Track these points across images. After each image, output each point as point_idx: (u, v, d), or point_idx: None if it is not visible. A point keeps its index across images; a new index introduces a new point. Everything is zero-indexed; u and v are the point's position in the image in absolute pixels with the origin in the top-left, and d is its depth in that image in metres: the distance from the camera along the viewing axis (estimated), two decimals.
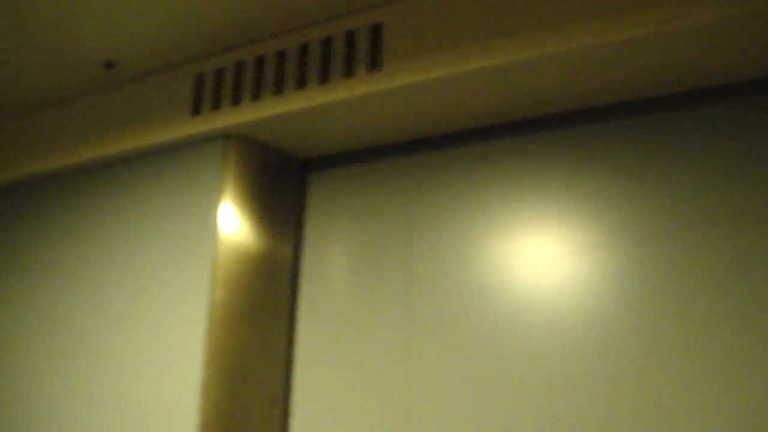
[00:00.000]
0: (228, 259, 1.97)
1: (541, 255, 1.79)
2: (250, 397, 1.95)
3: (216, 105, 2.05)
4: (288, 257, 2.16)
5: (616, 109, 1.80)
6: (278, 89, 1.93)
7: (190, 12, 1.90)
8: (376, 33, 1.81)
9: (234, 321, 1.95)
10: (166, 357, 1.95)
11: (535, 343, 1.73)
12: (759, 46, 1.51)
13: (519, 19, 1.61)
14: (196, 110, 2.08)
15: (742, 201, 1.60)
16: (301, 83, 1.90)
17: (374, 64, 1.79)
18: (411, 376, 1.88)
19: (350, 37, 1.85)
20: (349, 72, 1.82)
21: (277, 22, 1.93)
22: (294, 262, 2.18)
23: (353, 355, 1.99)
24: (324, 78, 1.86)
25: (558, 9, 1.56)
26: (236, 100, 2.01)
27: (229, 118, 2.00)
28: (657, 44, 1.51)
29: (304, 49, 1.92)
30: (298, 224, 2.21)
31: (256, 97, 1.97)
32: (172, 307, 1.99)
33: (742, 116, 1.65)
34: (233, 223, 2.00)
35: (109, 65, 2.20)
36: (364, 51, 1.81)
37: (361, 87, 1.79)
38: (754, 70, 1.62)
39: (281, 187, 2.18)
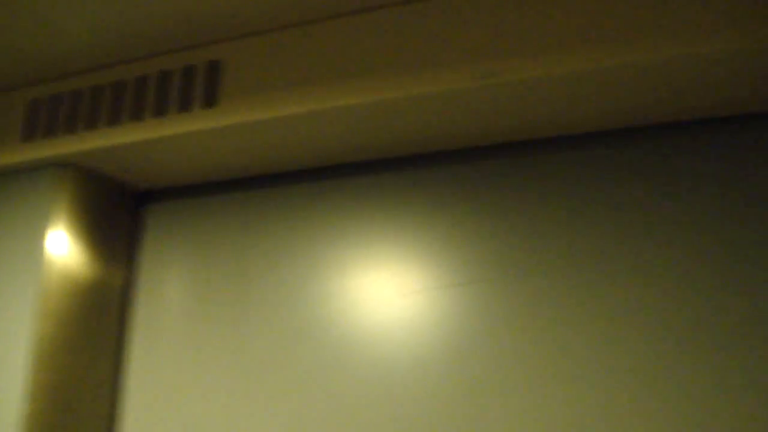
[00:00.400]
0: (57, 290, 1.91)
1: (370, 295, 1.85)
2: None
3: (50, 132, 1.99)
4: (120, 288, 2.12)
5: (450, 156, 1.88)
6: (115, 120, 1.91)
7: (25, 37, 1.85)
8: (213, 70, 1.83)
9: (61, 353, 1.89)
10: None
11: (360, 381, 1.78)
12: (587, 103, 1.63)
13: (352, 65, 1.67)
14: (29, 136, 2.02)
15: (565, 247, 1.69)
16: (138, 115, 1.88)
17: (210, 100, 1.80)
18: (241, 412, 1.88)
19: (188, 72, 1.86)
20: (185, 107, 1.83)
21: (116, 52, 1.91)
22: (126, 293, 2.14)
23: (184, 390, 1.97)
24: (161, 111, 1.85)
25: (394, 57, 1.63)
26: (71, 129, 1.96)
27: (63, 146, 1.96)
28: (482, 96, 1.60)
29: (141, 81, 1.91)
30: (132, 255, 2.18)
31: (91, 126, 1.93)
32: None
33: (571, 166, 1.76)
34: (63, 254, 1.94)
35: None
36: (201, 87, 1.83)
37: (197, 122, 1.80)
38: (580, 125, 1.74)
39: (115, 218, 2.15)
